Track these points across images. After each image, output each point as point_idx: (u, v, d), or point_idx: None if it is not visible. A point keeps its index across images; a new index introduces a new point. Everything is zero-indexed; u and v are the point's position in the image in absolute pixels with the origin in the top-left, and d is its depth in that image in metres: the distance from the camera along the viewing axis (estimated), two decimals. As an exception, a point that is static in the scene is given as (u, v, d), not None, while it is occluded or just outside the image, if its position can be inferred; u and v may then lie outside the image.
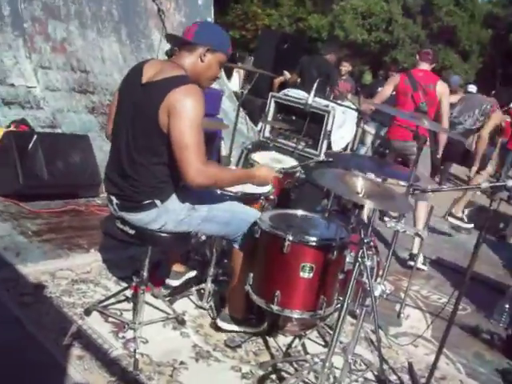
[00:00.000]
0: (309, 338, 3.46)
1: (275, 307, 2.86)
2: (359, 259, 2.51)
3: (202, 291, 3.61)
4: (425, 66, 5.41)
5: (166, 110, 2.64)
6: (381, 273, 3.68)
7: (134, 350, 2.93)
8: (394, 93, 5.64)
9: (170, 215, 2.87)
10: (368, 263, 2.52)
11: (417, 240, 4.98)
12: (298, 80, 8.38)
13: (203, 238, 3.82)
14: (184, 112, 2.62)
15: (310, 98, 3.66)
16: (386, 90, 5.67)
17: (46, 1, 7.02)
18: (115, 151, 2.93)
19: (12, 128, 5.30)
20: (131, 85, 2.88)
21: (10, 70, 6.36)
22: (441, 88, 5.32)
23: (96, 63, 7.38)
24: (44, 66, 6.74)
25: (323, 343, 3.46)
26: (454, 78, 10.74)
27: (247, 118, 8.50)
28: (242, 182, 3.07)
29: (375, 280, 3.34)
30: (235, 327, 3.30)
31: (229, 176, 2.93)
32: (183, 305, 3.58)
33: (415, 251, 4.96)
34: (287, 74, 8.70)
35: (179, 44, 2.90)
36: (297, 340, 3.44)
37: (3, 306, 3.19)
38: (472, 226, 6.95)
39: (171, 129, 2.64)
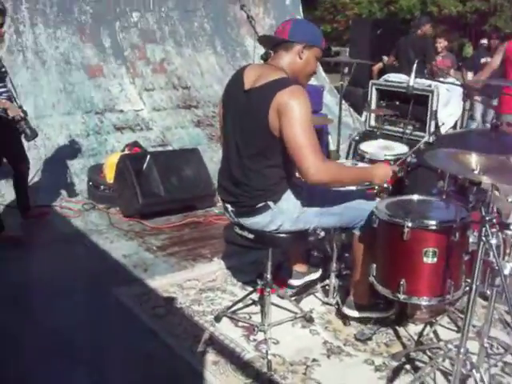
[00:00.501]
0: (440, 325, 3.37)
1: (402, 296, 2.81)
2: (483, 238, 2.42)
3: (327, 287, 3.61)
4: None
5: (274, 113, 2.67)
6: (508, 250, 3.52)
7: (266, 352, 2.99)
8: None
9: (284, 215, 2.90)
10: (493, 241, 2.42)
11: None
12: (395, 63, 8.22)
13: (322, 234, 3.82)
14: (293, 114, 2.64)
15: (411, 80, 3.59)
16: (495, 61, 5.42)
17: (141, 27, 7.35)
18: (226, 160, 3.00)
19: (126, 151, 5.57)
20: (234, 93, 2.93)
21: (118, 98, 6.72)
22: None
23: (195, 78, 7.61)
24: (148, 89, 7.05)
25: (456, 329, 3.36)
26: None
27: (351, 109, 8.41)
28: (361, 180, 3.03)
29: (503, 258, 3.20)
30: (363, 313, 3.28)
31: (348, 173, 2.94)
32: (310, 303, 3.61)
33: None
34: (385, 59, 8.55)
35: (275, 44, 2.91)
36: (428, 327, 3.36)
37: (138, 320, 3.38)
38: None
39: (284, 131, 2.67)
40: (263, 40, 3.06)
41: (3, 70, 4.28)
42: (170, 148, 6.42)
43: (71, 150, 6.01)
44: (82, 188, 5.61)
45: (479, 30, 21.68)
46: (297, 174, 2.99)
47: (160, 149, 6.25)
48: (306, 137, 2.64)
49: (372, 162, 3.68)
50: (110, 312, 3.48)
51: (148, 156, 5.11)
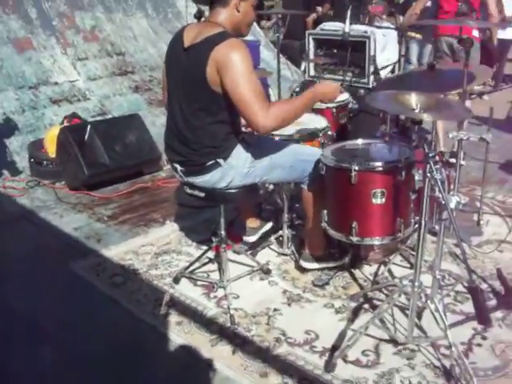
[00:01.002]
0: (393, 263, 3.47)
1: (355, 238, 2.88)
2: (428, 174, 2.49)
3: (281, 238, 3.67)
4: None
5: (213, 68, 2.65)
6: (452, 186, 3.63)
7: (228, 307, 3.03)
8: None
9: (234, 171, 2.91)
10: (438, 177, 2.49)
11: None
12: (330, 12, 8.22)
13: (271, 187, 3.85)
14: (234, 66, 2.62)
15: (346, 27, 3.61)
16: None
17: (68, -6, 7.09)
18: (171, 119, 2.98)
19: (65, 124, 5.44)
20: (175, 52, 2.92)
21: (51, 70, 6.51)
22: None
23: (129, 43, 7.44)
24: (81, 58, 6.85)
25: (408, 266, 3.46)
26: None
27: (288, 62, 8.41)
28: (310, 105, 2.96)
29: (448, 193, 3.30)
30: (320, 264, 3.36)
31: (295, 107, 2.83)
32: (265, 255, 3.66)
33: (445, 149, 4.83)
34: (319, 9, 8.53)
35: (211, 2, 2.88)
36: (382, 267, 3.46)
37: (97, 290, 3.36)
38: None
39: (227, 85, 2.65)
40: None
41: None
42: (109, 116, 6.29)
43: (7, 127, 5.80)
44: (23, 165, 5.45)
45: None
46: (243, 128, 3.00)
47: (100, 118, 6.12)
48: (251, 88, 2.63)
49: (314, 110, 3.69)
50: (68, 286, 3.45)
51: (89, 126, 5.00)
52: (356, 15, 6.86)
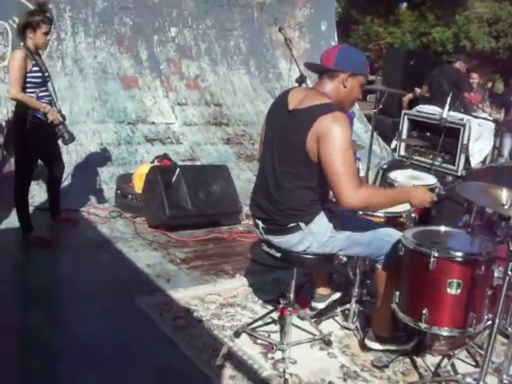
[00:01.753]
0: (458, 358, 3.35)
1: (423, 325, 2.82)
2: (509, 272, 2.44)
3: (347, 312, 3.63)
4: None
5: (314, 137, 2.71)
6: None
7: (284, 371, 3.01)
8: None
9: (314, 237, 2.93)
10: (519, 277, 2.44)
11: None
12: (428, 94, 8.25)
13: (345, 259, 3.85)
14: (334, 140, 2.67)
15: (444, 113, 3.63)
16: None
17: (178, 42, 7.48)
18: (262, 176, 3.05)
19: (156, 163, 5.66)
20: (278, 112, 2.99)
21: (151, 110, 6.84)
22: None
23: (228, 96, 7.72)
24: (181, 103, 7.16)
25: (473, 363, 3.33)
26: None
27: (379, 138, 8.46)
28: (398, 202, 3.04)
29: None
30: (383, 346, 3.29)
31: (384, 196, 2.90)
32: (329, 326, 3.62)
33: None
34: (418, 90, 8.60)
35: (320, 71, 2.98)
36: (445, 360, 3.35)
37: (159, 330, 3.41)
38: None
39: (322, 156, 2.70)
40: (309, 67, 3.11)
41: (46, 74, 4.41)
42: (198, 163, 6.50)
43: (102, 157, 6.13)
44: (109, 195, 5.71)
45: (511, 67, 21.64)
46: (331, 199, 3.03)
47: (189, 163, 6.34)
48: (345, 163, 2.67)
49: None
50: (131, 320, 3.52)
51: (178, 169, 5.18)
52: (453, 102, 6.86)
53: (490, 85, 12.74)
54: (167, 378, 2.99)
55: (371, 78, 8.95)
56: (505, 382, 2.68)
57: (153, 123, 6.78)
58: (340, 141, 2.67)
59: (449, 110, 3.92)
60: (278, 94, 3.15)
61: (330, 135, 2.67)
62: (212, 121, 7.31)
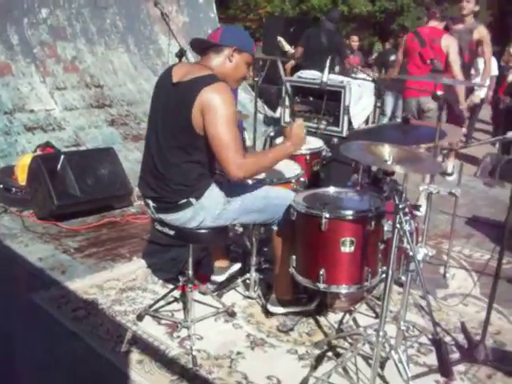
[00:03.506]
0: (359, 312, 3.48)
1: (322, 285, 2.89)
2: (397, 225, 2.52)
3: (248, 281, 3.65)
4: (433, 24, 5.46)
5: (198, 108, 2.69)
6: (420, 238, 3.68)
7: (191, 348, 2.99)
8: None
9: (206, 211, 2.92)
10: (407, 228, 2.53)
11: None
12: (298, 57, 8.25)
13: (240, 229, 3.86)
14: (218, 111, 2.68)
15: (324, 76, 3.68)
16: (400, 55, 5.77)
17: (51, 23, 7.15)
18: (148, 154, 3.00)
19: (38, 152, 5.41)
20: (162, 86, 2.95)
21: (28, 97, 6.52)
22: (446, 41, 5.37)
23: (109, 76, 7.49)
24: (59, 88, 6.87)
25: (373, 315, 3.47)
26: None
27: (265, 106, 8.52)
28: (281, 159, 3.04)
29: (415, 245, 3.34)
30: (286, 309, 3.34)
31: (268, 160, 2.93)
32: (231, 297, 3.63)
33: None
34: (291, 51, 8.61)
35: (205, 47, 2.95)
36: (347, 316, 3.46)
37: (58, 323, 3.29)
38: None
39: (207, 127, 2.70)
40: (194, 44, 3.05)
41: None
42: (83, 148, 6.28)
43: (-21, 151, 5.79)
44: (-9, 191, 5.40)
45: (388, 29, 22.45)
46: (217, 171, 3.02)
47: (74, 149, 6.11)
48: (229, 133, 2.69)
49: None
50: (27, 317, 3.36)
51: (62, 156, 4.97)
52: (331, 66, 6.97)
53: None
54: (72, 370, 2.88)
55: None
56: (402, 328, 2.79)
57: (31, 111, 6.47)
58: (224, 112, 2.68)
59: (329, 73, 3.97)
60: (159, 71, 3.10)
61: (213, 106, 2.67)
62: (94, 103, 7.07)
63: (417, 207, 3.34)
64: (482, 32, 6.04)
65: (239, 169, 2.70)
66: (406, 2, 24.07)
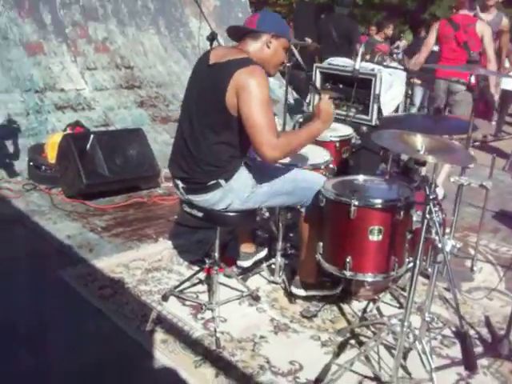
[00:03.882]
0: (383, 301, 3.47)
1: (348, 273, 2.89)
2: (427, 216, 2.51)
3: (273, 266, 3.66)
4: (464, 12, 5.40)
5: (233, 90, 2.70)
6: (448, 230, 3.66)
7: (215, 330, 3.02)
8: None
9: (235, 194, 2.92)
10: (436, 219, 2.51)
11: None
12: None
13: (267, 214, 3.86)
14: (252, 91, 2.68)
15: (357, 64, 3.65)
16: (430, 39, 5.69)
17: (83, 4, 7.18)
18: (180, 135, 3.02)
19: (68, 131, 5.46)
20: (198, 71, 2.98)
21: (59, 76, 6.57)
22: (481, 26, 5.30)
23: (139, 58, 7.52)
24: (90, 68, 6.92)
25: (397, 305, 3.46)
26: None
27: (293, 92, 8.48)
28: (313, 138, 3.03)
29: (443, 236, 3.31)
30: (309, 292, 3.35)
31: (300, 139, 2.91)
32: (256, 281, 3.65)
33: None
34: (309, 40, 8.56)
35: (242, 34, 2.96)
36: (371, 304, 3.46)
37: (84, 301, 3.34)
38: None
39: (241, 107, 2.71)
40: (231, 31, 3.04)
41: None
42: (112, 128, 6.33)
43: (10, 129, 5.83)
44: (22, 168, 5.46)
45: (419, 18, 22.14)
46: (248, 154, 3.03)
47: (103, 129, 6.16)
48: (263, 115, 2.69)
49: (317, 142, 3.72)
50: (55, 293, 3.43)
51: (92, 136, 5.02)
52: (346, 51, 6.93)
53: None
54: (97, 348, 2.92)
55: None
56: (427, 319, 2.78)
57: (62, 90, 6.52)
58: (258, 93, 2.68)
59: (361, 60, 3.94)
60: (189, 54, 3.11)
61: (247, 87, 2.68)
62: (124, 84, 7.10)
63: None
64: (506, 23, 6.01)
65: (274, 149, 2.70)
66: (438, -10, 23.71)
